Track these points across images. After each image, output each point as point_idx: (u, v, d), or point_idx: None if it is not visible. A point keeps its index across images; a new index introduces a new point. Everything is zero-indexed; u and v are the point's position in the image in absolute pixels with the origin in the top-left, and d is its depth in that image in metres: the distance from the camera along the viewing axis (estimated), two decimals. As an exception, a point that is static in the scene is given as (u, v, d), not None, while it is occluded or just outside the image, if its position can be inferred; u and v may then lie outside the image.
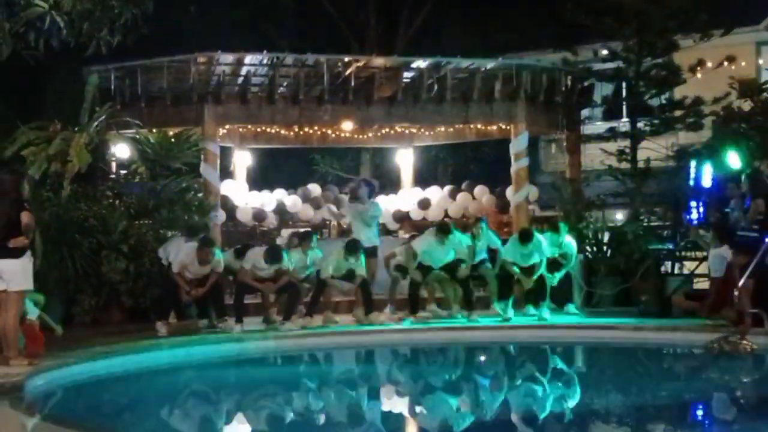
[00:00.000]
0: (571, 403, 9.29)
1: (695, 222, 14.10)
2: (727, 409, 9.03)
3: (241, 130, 17.60)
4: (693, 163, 14.73)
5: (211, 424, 8.53)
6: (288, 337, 12.02)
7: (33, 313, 10.40)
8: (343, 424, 8.57)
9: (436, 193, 18.28)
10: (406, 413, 9.17)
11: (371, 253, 13.42)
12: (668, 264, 14.62)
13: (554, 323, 12.72)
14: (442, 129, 18.04)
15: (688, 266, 14.18)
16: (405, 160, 19.53)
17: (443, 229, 13.13)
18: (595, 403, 9.42)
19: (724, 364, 10.70)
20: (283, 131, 17.65)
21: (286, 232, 14.78)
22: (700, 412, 8.95)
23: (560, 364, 11.98)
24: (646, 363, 11.74)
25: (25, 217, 9.33)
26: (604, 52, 17.12)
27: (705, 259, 13.26)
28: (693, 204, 13.85)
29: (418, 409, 9.30)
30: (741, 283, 11.19)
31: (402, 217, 17.89)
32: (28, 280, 9.44)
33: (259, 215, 16.74)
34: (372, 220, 13.63)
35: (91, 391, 9.42)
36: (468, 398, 9.70)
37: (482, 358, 12.56)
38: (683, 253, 14.71)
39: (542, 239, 13.34)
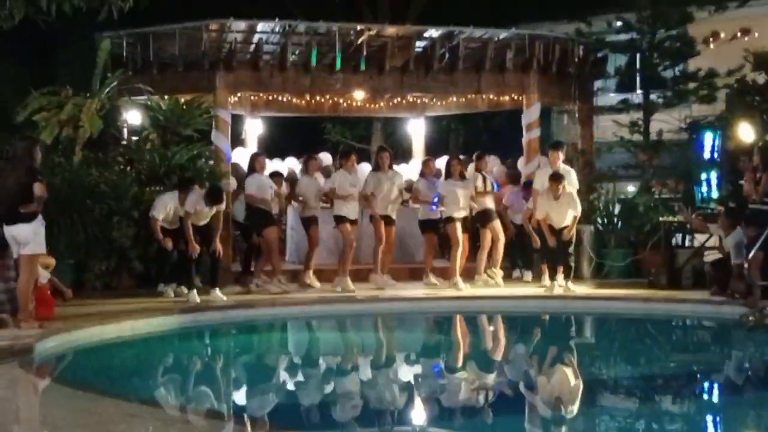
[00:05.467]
0: (582, 373, 9.32)
1: (700, 200, 14.02)
2: (737, 380, 9.05)
3: (252, 97, 17.57)
4: (706, 136, 14.66)
5: (219, 387, 8.58)
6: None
7: (44, 277, 10.46)
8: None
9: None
10: (417, 382, 9.20)
11: (392, 222, 13.61)
12: (678, 236, 14.60)
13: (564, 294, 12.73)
14: (454, 99, 17.99)
15: (699, 238, 14.14)
16: (416, 130, 19.49)
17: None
18: (604, 374, 9.45)
19: (738, 336, 10.67)
20: (294, 99, 17.63)
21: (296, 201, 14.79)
22: (713, 384, 8.93)
23: (570, 335, 12.00)
24: (655, 334, 11.73)
25: (38, 189, 9.34)
26: (618, 23, 17.01)
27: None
28: (704, 177, 13.76)
29: (422, 379, 9.34)
30: (751, 255, 11.18)
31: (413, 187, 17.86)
32: (41, 244, 9.48)
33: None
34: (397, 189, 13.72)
35: (101, 354, 9.49)
36: (472, 368, 9.74)
37: (490, 328, 12.58)
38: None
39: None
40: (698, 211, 14.03)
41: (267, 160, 14.31)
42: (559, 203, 12.79)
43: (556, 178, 12.82)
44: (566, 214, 12.83)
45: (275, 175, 13.83)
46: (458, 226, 13.31)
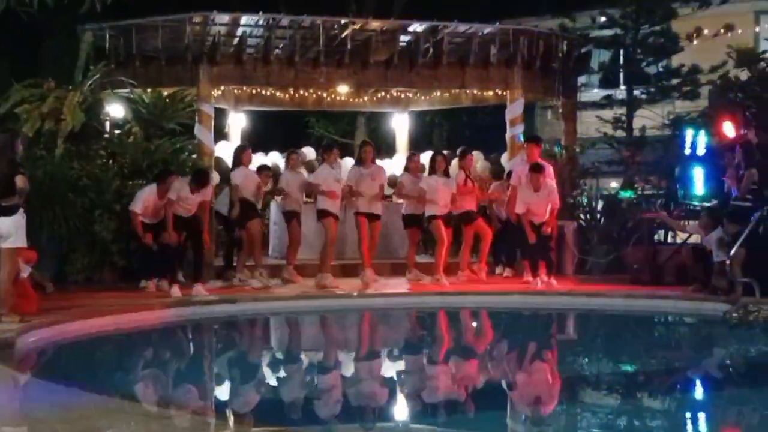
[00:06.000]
0: (565, 369, 9.35)
1: (683, 197, 14.04)
2: (720, 376, 9.07)
3: (236, 91, 17.51)
4: (689, 132, 14.71)
5: (201, 383, 8.55)
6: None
7: (25, 271, 10.39)
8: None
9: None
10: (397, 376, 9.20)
11: (377, 217, 13.56)
12: (661, 233, 14.64)
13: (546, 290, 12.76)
14: (438, 94, 17.95)
15: (681, 235, 14.18)
16: (400, 125, 19.48)
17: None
18: (586, 371, 9.48)
19: (722, 333, 10.68)
20: (278, 93, 17.57)
21: (279, 196, 14.76)
22: (696, 380, 8.96)
23: (552, 331, 12.03)
24: (636, 330, 11.76)
25: (20, 181, 9.28)
26: (602, 18, 17.07)
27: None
28: (687, 173, 13.79)
29: (402, 376, 9.35)
30: (733, 252, 11.23)
31: (396, 182, 17.86)
32: (22, 237, 9.42)
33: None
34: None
35: (82, 349, 9.45)
36: (453, 363, 9.74)
37: (473, 323, 12.59)
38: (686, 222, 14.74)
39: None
40: (679, 207, 14.08)
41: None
42: (539, 196, 12.82)
43: (537, 169, 12.86)
44: (546, 206, 12.87)
45: (262, 169, 13.77)
46: (441, 222, 13.30)
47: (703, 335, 11.47)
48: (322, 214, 13.23)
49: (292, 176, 13.70)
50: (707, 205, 13.25)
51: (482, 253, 13.83)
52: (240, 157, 13.37)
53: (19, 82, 13.94)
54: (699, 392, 8.47)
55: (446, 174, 13.54)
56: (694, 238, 13.25)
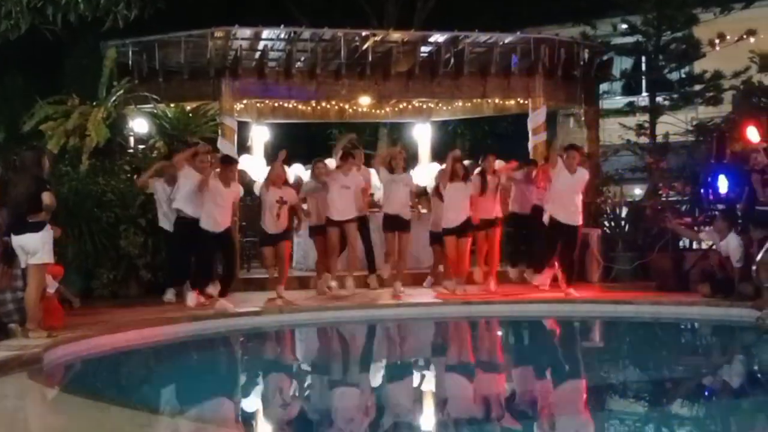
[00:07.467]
0: (594, 377, 9.31)
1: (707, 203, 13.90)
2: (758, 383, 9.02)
3: (258, 104, 17.58)
4: (713, 138, 14.61)
5: (229, 396, 8.56)
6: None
7: (52, 287, 10.45)
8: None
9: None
10: (422, 387, 9.18)
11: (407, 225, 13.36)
12: (686, 239, 14.56)
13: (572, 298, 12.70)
14: (460, 104, 17.95)
15: (707, 241, 14.08)
16: (422, 135, 19.47)
17: None
18: (616, 379, 9.42)
19: (755, 338, 10.65)
20: (300, 106, 17.65)
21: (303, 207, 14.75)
22: (735, 387, 8.89)
23: (580, 339, 11.99)
24: (664, 338, 11.70)
25: (47, 198, 9.34)
26: (623, 26, 17.04)
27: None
28: (710, 179, 13.67)
29: (433, 383, 9.32)
30: (759, 257, 11.15)
31: (420, 192, 17.84)
32: (49, 253, 9.47)
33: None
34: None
35: (110, 363, 9.49)
36: (483, 373, 9.72)
37: (499, 332, 12.55)
38: (702, 228, 14.63)
39: None
40: (704, 213, 13.97)
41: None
42: (575, 178, 12.67)
43: (576, 147, 12.80)
44: (577, 195, 12.71)
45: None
46: (454, 237, 13.04)
47: (737, 341, 11.32)
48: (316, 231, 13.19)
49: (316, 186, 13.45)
50: (721, 208, 13.14)
51: (490, 264, 13.67)
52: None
53: (44, 99, 14.05)
54: (739, 399, 8.35)
55: (465, 180, 13.26)
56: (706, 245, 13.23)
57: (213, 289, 11.81)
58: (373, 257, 13.68)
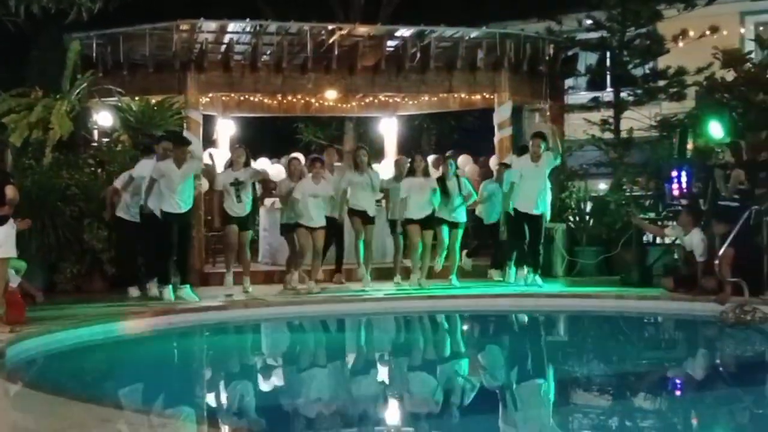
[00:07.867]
0: (557, 371, 9.37)
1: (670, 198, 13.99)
2: (721, 376, 9.12)
3: (224, 98, 17.51)
4: (676, 133, 14.74)
5: (193, 391, 8.54)
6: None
7: (14, 281, 10.36)
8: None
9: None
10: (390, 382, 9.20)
11: (371, 220, 13.40)
12: (649, 234, 14.67)
13: (536, 292, 12.76)
14: (426, 98, 18.01)
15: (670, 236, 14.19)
16: (389, 130, 19.50)
17: None
18: (579, 373, 9.48)
19: (719, 332, 10.70)
20: (266, 100, 17.61)
21: (268, 201, 14.71)
22: (699, 381, 8.96)
23: (543, 333, 12.05)
24: (628, 332, 11.79)
25: (10, 191, 9.27)
26: (588, 21, 17.11)
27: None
28: (674, 174, 13.78)
29: (400, 379, 9.35)
30: (721, 252, 11.26)
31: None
32: (11, 247, 9.41)
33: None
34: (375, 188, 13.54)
35: (73, 358, 9.42)
36: (448, 367, 9.76)
37: (464, 327, 12.60)
38: (665, 223, 14.76)
39: None
40: (669, 209, 14.08)
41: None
42: (538, 167, 12.76)
43: (539, 135, 12.87)
44: (541, 185, 12.81)
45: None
46: (417, 227, 13.13)
47: (703, 336, 11.43)
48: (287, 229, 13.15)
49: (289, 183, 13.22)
50: (685, 203, 13.25)
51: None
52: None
53: (6, 92, 13.91)
54: (705, 394, 8.40)
55: (426, 175, 13.29)
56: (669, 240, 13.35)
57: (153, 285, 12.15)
58: (343, 257, 13.83)
